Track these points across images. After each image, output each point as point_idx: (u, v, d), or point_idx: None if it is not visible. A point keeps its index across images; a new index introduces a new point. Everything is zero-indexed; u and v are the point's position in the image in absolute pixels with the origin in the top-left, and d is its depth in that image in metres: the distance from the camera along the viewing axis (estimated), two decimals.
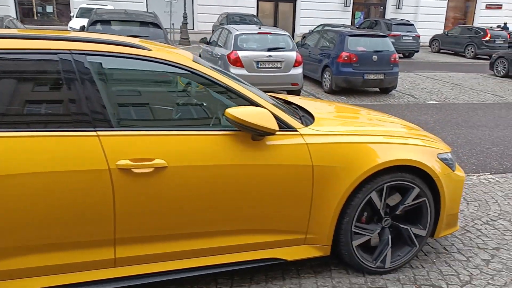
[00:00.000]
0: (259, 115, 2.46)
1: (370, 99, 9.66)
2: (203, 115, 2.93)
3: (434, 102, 9.61)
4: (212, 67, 2.82)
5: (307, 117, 3.08)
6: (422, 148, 2.95)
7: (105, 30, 7.89)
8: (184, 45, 19.11)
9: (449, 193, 3.04)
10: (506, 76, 13.74)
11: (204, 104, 2.95)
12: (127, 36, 3.50)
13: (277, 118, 2.61)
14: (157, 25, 8.14)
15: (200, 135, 2.50)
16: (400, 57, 13.37)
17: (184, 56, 2.69)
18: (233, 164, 2.50)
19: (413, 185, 2.91)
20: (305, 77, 9.97)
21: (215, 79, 2.62)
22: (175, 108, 2.86)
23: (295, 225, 2.72)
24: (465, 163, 5.41)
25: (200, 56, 10.24)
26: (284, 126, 2.67)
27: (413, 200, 2.96)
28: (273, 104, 2.76)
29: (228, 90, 2.64)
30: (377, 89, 10.73)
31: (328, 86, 9.98)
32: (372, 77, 9.71)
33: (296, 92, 9.12)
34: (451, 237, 3.51)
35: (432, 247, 3.35)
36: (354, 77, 9.65)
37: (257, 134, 2.51)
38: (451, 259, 3.20)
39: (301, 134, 2.69)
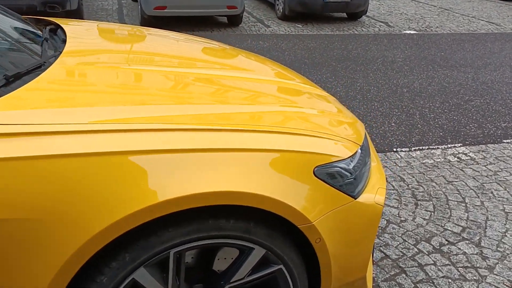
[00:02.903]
0: None
1: (331, 28, 7.70)
2: None
3: (412, 32, 7.69)
4: None
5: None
6: (279, 158, 1.28)
7: None
8: None
9: (344, 246, 1.44)
10: None
11: None
12: None
13: None
14: None
15: None
16: None
17: None
18: None
19: (248, 244, 1.30)
20: None
21: None
22: None
23: None
24: (428, 127, 3.79)
25: None
26: None
27: (255, 270, 1.36)
28: None
29: None
30: (344, 15, 8.73)
31: (281, 10, 7.96)
32: None
33: (236, 18, 7.15)
34: None
35: None
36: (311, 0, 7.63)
37: None
38: None
39: None
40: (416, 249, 2.25)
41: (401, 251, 2.23)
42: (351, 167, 1.45)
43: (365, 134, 1.76)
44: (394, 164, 3.11)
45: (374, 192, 1.52)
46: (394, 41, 6.92)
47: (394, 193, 2.75)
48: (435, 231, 2.39)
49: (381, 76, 5.16)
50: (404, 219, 2.50)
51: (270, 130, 1.33)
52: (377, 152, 3.28)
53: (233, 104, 1.45)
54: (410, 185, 2.84)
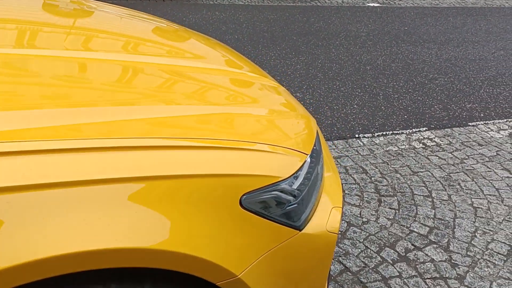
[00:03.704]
0: None
1: None
2: None
3: (375, 5, 7.37)
4: None
5: None
6: (183, 186, 0.88)
7: None
8: None
9: None
10: None
11: None
12: None
13: None
14: None
15: None
16: None
17: None
18: None
19: None
20: None
21: None
22: None
23: None
24: (392, 109, 3.52)
25: None
26: None
27: None
28: None
29: None
30: None
31: None
32: None
33: None
34: None
35: None
36: None
37: None
38: None
39: None
40: (379, 258, 1.99)
41: (362, 261, 1.96)
42: (295, 187, 1.10)
43: (317, 134, 1.43)
44: (356, 153, 2.84)
45: (326, 216, 1.19)
46: (357, 14, 6.59)
47: (355, 188, 2.47)
48: (400, 234, 2.14)
49: (343, 52, 4.84)
50: (366, 220, 2.23)
51: (173, 145, 0.93)
52: (338, 139, 2.99)
53: (145, 104, 1.06)
54: (373, 178, 2.58)
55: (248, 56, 4.40)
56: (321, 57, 4.60)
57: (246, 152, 1.02)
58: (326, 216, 1.18)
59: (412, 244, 2.08)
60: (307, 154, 1.18)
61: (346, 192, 2.43)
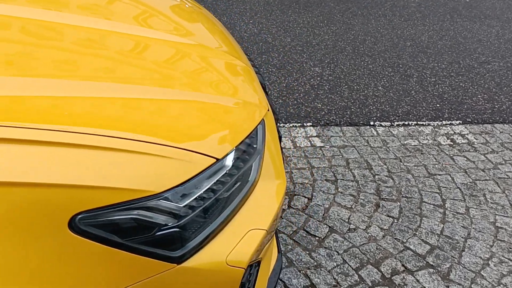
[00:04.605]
0: None
1: None
2: None
3: None
4: None
5: None
6: None
7: None
8: None
9: None
10: None
11: None
12: None
13: None
14: None
15: None
16: None
17: None
18: None
19: None
20: None
21: None
22: None
23: None
24: (424, 94, 2.96)
25: None
26: None
27: None
28: None
29: None
30: None
31: None
32: None
33: None
34: None
35: None
36: None
37: None
38: None
39: None
40: (356, 277, 1.65)
41: (335, 279, 1.63)
42: (183, 203, 0.80)
43: (263, 130, 1.09)
44: (365, 144, 2.43)
45: (233, 243, 0.87)
46: None
47: (352, 186, 2.10)
48: (391, 250, 1.77)
49: (384, 24, 4.27)
50: (354, 227, 1.87)
51: None
52: (348, 125, 2.59)
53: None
54: (377, 176, 2.18)
55: (273, 22, 3.99)
56: (356, 28, 4.08)
57: (102, 153, 0.72)
58: (233, 242, 0.87)
59: (403, 265, 1.71)
60: (216, 159, 0.86)
61: (338, 190, 2.06)
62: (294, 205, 1.94)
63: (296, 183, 2.09)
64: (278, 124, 2.52)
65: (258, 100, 1.18)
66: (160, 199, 0.75)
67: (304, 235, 1.79)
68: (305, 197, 2.00)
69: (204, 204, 0.83)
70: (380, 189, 2.09)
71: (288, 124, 2.56)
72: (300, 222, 1.86)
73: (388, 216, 1.94)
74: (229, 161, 0.92)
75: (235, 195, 0.92)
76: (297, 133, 2.48)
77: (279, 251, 1.38)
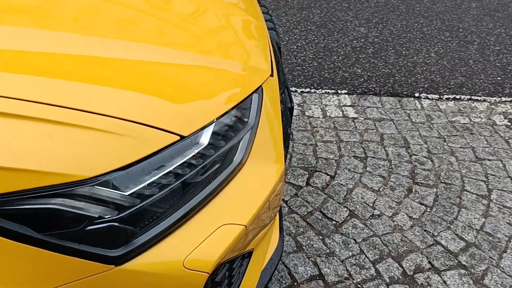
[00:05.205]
0: None
1: None
2: None
3: None
4: None
5: None
6: None
7: None
8: None
9: None
10: None
11: None
12: None
13: None
14: None
15: None
16: None
17: None
18: None
19: None
20: None
21: None
22: None
23: None
24: (483, 65, 2.51)
25: None
26: None
27: None
28: None
29: None
30: None
31: None
32: None
33: None
34: None
35: None
36: None
37: None
38: None
39: None
40: (373, 271, 1.46)
41: (347, 271, 1.45)
42: (129, 191, 0.64)
43: (259, 99, 0.89)
44: (406, 118, 2.16)
45: (197, 241, 0.70)
46: None
47: (383, 165, 1.87)
48: (419, 243, 1.56)
49: None
50: (379, 213, 1.66)
51: None
52: (389, 96, 2.30)
53: None
54: (414, 156, 1.93)
55: None
56: None
57: (11, 124, 0.57)
58: (196, 240, 0.71)
59: (429, 262, 1.49)
60: (180, 136, 0.69)
61: (367, 169, 1.84)
62: (313, 183, 1.76)
63: (320, 157, 1.89)
64: (293, 90, 2.28)
65: (260, 63, 0.98)
66: (95, 185, 0.60)
67: (320, 217, 1.62)
68: (327, 175, 1.80)
69: (161, 192, 0.67)
70: (415, 171, 1.85)
71: (320, 90, 2.32)
72: (317, 203, 1.67)
73: (420, 203, 1.70)
74: (203, 139, 0.74)
75: (209, 180, 0.76)
76: (329, 101, 2.24)
77: (281, 237, 1.22)
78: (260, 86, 0.91)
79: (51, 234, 0.60)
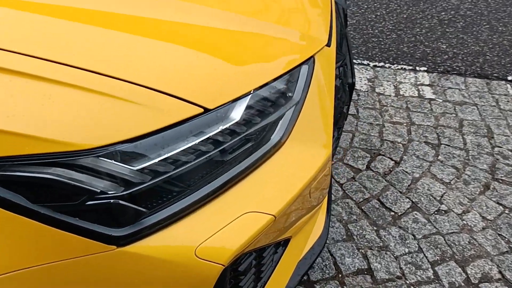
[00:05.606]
0: None
1: None
2: None
3: None
4: None
5: None
6: None
7: None
8: None
9: None
10: None
11: None
12: None
13: None
14: None
15: None
16: None
17: None
18: None
19: None
20: None
21: None
22: None
23: None
24: None
25: None
26: None
27: None
28: None
29: None
30: None
31: None
32: None
33: None
34: None
35: None
36: None
37: None
38: None
39: None
40: (430, 273, 1.30)
41: (400, 269, 1.30)
42: (138, 166, 0.57)
43: (311, 73, 0.77)
44: (493, 104, 1.88)
45: (214, 227, 0.62)
46: None
47: (458, 155, 1.64)
48: (489, 249, 1.35)
49: None
50: (446, 208, 1.47)
51: None
52: (475, 77, 2.02)
53: None
54: (497, 148, 1.67)
55: None
56: None
57: (10, 81, 0.52)
58: (214, 226, 0.63)
59: (500, 272, 1.30)
60: (204, 108, 0.60)
61: (438, 158, 1.64)
62: (375, 167, 1.60)
63: (385, 140, 1.71)
64: (365, 64, 2.08)
65: (320, 32, 0.85)
66: (100, 157, 0.55)
67: (377, 206, 1.47)
68: (392, 160, 1.63)
69: (178, 170, 0.60)
70: (496, 165, 1.61)
71: (395, 65, 2.10)
72: (376, 190, 1.53)
73: (497, 203, 1.48)
74: (235, 113, 0.65)
75: (238, 160, 0.67)
76: (405, 78, 2.02)
77: (326, 224, 1.11)
78: (312, 56, 0.79)
79: (46, 206, 0.56)
